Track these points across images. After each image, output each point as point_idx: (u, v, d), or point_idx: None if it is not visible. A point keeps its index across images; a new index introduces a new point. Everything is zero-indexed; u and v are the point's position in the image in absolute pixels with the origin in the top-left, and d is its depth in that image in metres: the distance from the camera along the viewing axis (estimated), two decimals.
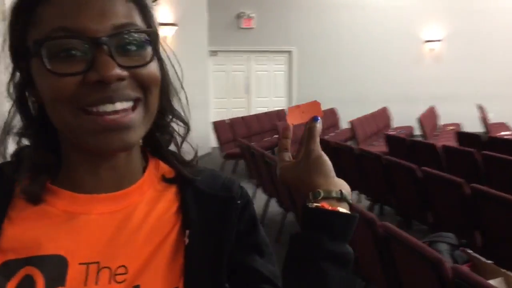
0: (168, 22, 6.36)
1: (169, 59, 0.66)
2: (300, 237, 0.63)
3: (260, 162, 4.21)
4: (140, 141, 0.66)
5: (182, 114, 0.70)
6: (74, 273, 0.57)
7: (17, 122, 0.62)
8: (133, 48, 0.56)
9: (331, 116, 8.53)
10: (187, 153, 0.70)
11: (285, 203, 3.88)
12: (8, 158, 0.64)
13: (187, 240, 0.62)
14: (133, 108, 0.57)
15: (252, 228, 0.69)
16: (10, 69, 0.60)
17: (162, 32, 6.25)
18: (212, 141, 7.27)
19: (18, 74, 0.60)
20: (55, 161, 0.63)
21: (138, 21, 0.58)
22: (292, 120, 0.69)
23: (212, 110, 8.58)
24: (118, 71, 0.53)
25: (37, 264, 0.57)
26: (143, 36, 0.57)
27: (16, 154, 0.63)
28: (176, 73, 0.68)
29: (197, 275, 0.61)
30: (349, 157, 4.35)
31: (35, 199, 0.60)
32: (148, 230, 0.62)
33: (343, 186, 0.65)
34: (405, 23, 9.51)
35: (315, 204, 0.62)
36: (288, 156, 0.71)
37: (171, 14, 6.48)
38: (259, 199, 4.29)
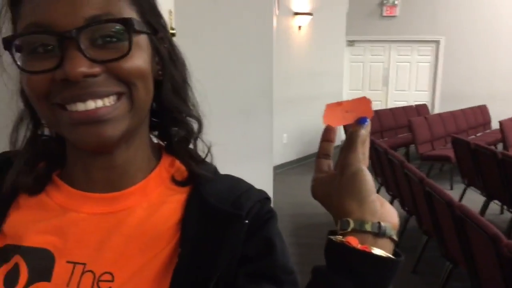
0: (303, 11, 6.29)
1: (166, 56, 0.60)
2: (320, 277, 0.50)
3: (384, 159, 3.94)
4: (154, 138, 0.63)
5: (195, 110, 0.64)
6: (60, 270, 0.56)
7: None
8: (109, 40, 0.51)
9: (480, 114, 7.61)
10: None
11: (407, 205, 3.57)
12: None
13: (176, 260, 0.55)
14: (117, 100, 0.53)
15: (265, 253, 0.57)
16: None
17: (296, 21, 6.25)
18: (343, 134, 7.08)
19: None
20: (56, 152, 0.62)
21: (120, 9, 0.52)
22: (331, 121, 0.55)
23: None
24: (83, 69, 0.49)
25: (23, 254, 0.57)
26: (119, 26, 0.51)
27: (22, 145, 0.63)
28: (185, 65, 0.63)
29: None
30: (491, 162, 3.80)
31: (30, 191, 0.60)
32: (142, 240, 0.56)
33: (386, 216, 0.50)
34: None
35: (340, 238, 0.49)
36: (327, 164, 0.57)
37: (307, 4, 6.40)
38: None
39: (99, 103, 0.51)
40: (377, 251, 0.47)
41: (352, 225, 0.49)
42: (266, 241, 0.58)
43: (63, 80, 0.50)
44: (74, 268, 0.55)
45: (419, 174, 2.95)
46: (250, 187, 0.62)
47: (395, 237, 0.49)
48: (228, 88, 2.38)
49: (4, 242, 0.58)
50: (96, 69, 0.50)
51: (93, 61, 0.50)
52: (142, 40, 0.55)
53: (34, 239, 0.57)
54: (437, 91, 8.56)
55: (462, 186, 4.53)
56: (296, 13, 6.26)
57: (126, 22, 0.52)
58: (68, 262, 0.56)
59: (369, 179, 0.51)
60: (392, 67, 8.79)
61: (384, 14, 8.51)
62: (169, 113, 0.61)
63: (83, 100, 0.51)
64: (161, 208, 0.58)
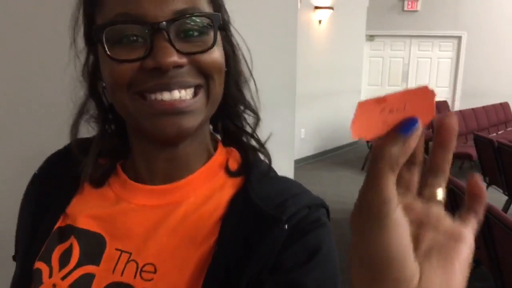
0: (323, 5, 6.24)
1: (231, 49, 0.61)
2: None
3: None
4: (210, 129, 0.64)
5: (252, 103, 0.65)
6: (108, 256, 0.57)
7: (92, 106, 0.64)
8: (195, 33, 0.53)
9: (502, 111, 7.47)
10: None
11: None
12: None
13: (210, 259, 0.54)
14: (195, 95, 0.54)
15: (305, 263, 0.51)
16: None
17: (316, 15, 6.20)
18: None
19: (91, 58, 0.61)
20: (121, 147, 0.64)
21: (203, 5, 0.54)
22: (364, 130, 0.34)
23: (364, 97, 8.21)
24: (175, 59, 0.51)
25: (77, 235, 0.59)
26: (206, 21, 0.53)
27: (85, 139, 0.65)
28: (246, 62, 0.64)
29: None
30: None
31: (96, 184, 0.63)
32: (186, 234, 0.57)
33: None
34: None
35: None
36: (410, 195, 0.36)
37: None
38: None
39: (183, 93, 0.53)
40: None
41: None
42: (307, 252, 0.52)
43: (152, 70, 0.51)
44: (120, 255, 0.57)
45: None
46: (303, 191, 0.58)
47: None
48: (252, 82, 2.37)
49: (65, 222, 0.61)
50: (184, 60, 0.52)
51: (181, 52, 0.52)
52: (219, 35, 0.56)
53: (87, 222, 0.59)
54: (458, 88, 8.43)
55: (483, 184, 4.45)
56: (317, 7, 6.21)
57: (213, 17, 0.54)
58: (116, 249, 0.57)
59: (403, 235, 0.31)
60: (412, 63, 8.68)
61: (406, 8, 8.39)
62: (230, 106, 0.62)
63: (170, 89, 0.52)
64: (207, 203, 0.58)
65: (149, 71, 0.52)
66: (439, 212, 0.35)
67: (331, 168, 6.06)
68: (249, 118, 0.65)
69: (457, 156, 5.55)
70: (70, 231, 0.60)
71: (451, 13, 8.24)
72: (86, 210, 0.61)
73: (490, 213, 2.15)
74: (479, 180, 0.36)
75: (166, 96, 0.52)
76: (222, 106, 0.61)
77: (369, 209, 0.31)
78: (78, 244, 0.59)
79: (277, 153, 0.67)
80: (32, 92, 0.98)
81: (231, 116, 0.64)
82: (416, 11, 8.35)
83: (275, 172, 0.63)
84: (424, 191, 0.36)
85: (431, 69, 8.65)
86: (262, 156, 0.65)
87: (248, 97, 0.64)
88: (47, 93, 0.95)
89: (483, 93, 7.96)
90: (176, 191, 0.59)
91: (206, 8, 0.55)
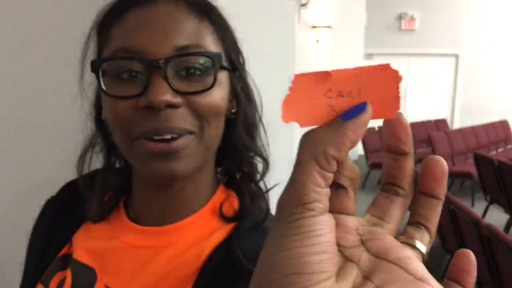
0: (321, 25, 6.29)
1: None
2: None
3: None
4: (218, 173, 0.63)
5: (263, 150, 0.63)
6: None
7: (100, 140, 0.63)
8: (195, 72, 0.51)
9: (502, 129, 7.47)
10: None
11: None
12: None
13: None
14: (190, 137, 0.52)
15: None
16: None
17: (314, 35, 6.24)
18: (359, 148, 6.99)
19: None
20: (124, 183, 0.62)
21: (208, 43, 0.52)
22: (299, 111, 0.27)
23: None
24: (168, 97, 0.48)
25: (73, 265, 0.59)
26: (207, 60, 0.51)
27: (96, 173, 0.64)
28: (256, 105, 0.62)
29: None
30: None
31: (96, 219, 0.61)
32: (167, 280, 0.55)
33: None
34: None
35: None
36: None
37: (325, 17, 6.40)
38: None
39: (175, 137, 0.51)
40: None
41: None
42: None
43: (145, 108, 0.49)
44: None
45: None
46: None
47: None
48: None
49: (69, 250, 0.62)
50: (178, 99, 0.50)
51: (177, 91, 0.49)
52: (223, 76, 0.54)
53: (82, 254, 0.59)
54: (457, 106, 8.45)
55: (484, 202, 4.42)
56: (315, 27, 6.26)
57: (214, 57, 0.51)
58: (105, 286, 0.56)
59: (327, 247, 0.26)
60: (411, 81, 8.71)
61: (403, 27, 8.47)
62: (238, 151, 0.60)
63: (161, 134, 0.50)
64: (190, 250, 0.56)
65: (142, 109, 0.50)
66: (409, 261, 0.26)
67: None
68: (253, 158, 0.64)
69: (457, 175, 5.52)
70: (69, 261, 0.60)
71: (448, 31, 8.33)
72: (84, 242, 0.60)
73: (492, 234, 2.11)
74: (470, 255, 0.28)
75: (157, 138, 0.50)
76: (230, 149, 0.59)
77: (280, 209, 0.26)
78: (71, 276, 0.58)
79: (275, 171, 0.65)
80: (44, 119, 1.00)
81: (238, 161, 0.61)
82: (413, 30, 8.43)
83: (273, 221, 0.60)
84: (404, 232, 0.29)
85: (430, 87, 8.69)
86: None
87: (258, 142, 0.62)
88: (59, 121, 0.97)
89: (481, 111, 7.97)
90: (166, 234, 0.57)
91: (212, 46, 0.53)
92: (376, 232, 0.28)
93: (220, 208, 0.59)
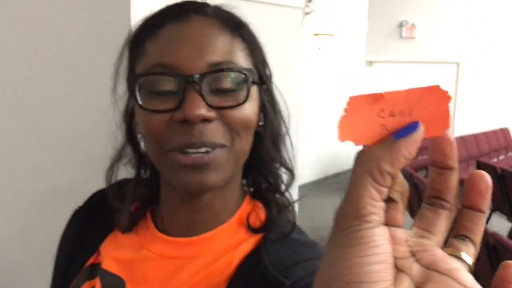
0: (323, 32, 6.32)
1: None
2: None
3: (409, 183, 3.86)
4: (243, 184, 0.64)
5: (288, 161, 0.63)
6: None
7: (130, 151, 0.64)
8: (228, 88, 0.52)
9: (503, 137, 7.49)
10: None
11: None
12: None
13: None
14: (221, 150, 0.53)
15: None
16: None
17: (316, 42, 6.27)
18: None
19: (130, 104, 0.62)
20: (154, 193, 0.63)
21: (240, 59, 0.54)
22: (354, 133, 0.29)
23: None
24: (203, 112, 0.50)
25: (101, 275, 0.60)
26: (240, 76, 0.53)
27: (122, 183, 0.66)
28: (283, 118, 0.63)
29: None
30: None
31: (124, 230, 0.62)
32: None
33: None
34: None
35: None
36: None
37: (327, 24, 6.43)
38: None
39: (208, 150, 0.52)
40: None
41: None
42: None
43: (181, 122, 0.51)
44: None
45: None
46: (316, 257, 0.54)
47: None
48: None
49: (97, 260, 0.63)
50: (212, 114, 0.51)
51: (211, 106, 0.51)
52: (254, 91, 0.55)
53: (110, 264, 0.60)
54: (457, 113, 8.47)
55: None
56: (316, 34, 6.29)
57: (247, 73, 0.53)
58: None
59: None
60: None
61: (404, 35, 8.51)
62: (264, 163, 0.61)
63: (196, 147, 0.51)
64: (219, 260, 0.57)
65: (178, 123, 0.51)
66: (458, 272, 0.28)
67: (331, 195, 6.01)
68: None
69: (459, 183, 5.53)
70: (97, 270, 0.61)
71: (449, 40, 8.37)
72: (112, 252, 0.62)
73: (497, 242, 2.12)
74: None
75: (191, 151, 0.52)
76: (257, 161, 0.60)
77: (338, 221, 0.27)
78: (101, 285, 0.59)
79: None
80: (75, 131, 1.02)
81: (264, 172, 0.62)
82: (414, 37, 8.47)
83: (301, 233, 0.60)
84: (450, 245, 0.30)
85: None
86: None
87: (284, 153, 0.63)
88: (87, 132, 0.99)
89: (482, 119, 7.99)
90: (195, 244, 0.58)
91: (243, 62, 0.55)
92: (425, 244, 0.29)
93: (247, 219, 0.60)
